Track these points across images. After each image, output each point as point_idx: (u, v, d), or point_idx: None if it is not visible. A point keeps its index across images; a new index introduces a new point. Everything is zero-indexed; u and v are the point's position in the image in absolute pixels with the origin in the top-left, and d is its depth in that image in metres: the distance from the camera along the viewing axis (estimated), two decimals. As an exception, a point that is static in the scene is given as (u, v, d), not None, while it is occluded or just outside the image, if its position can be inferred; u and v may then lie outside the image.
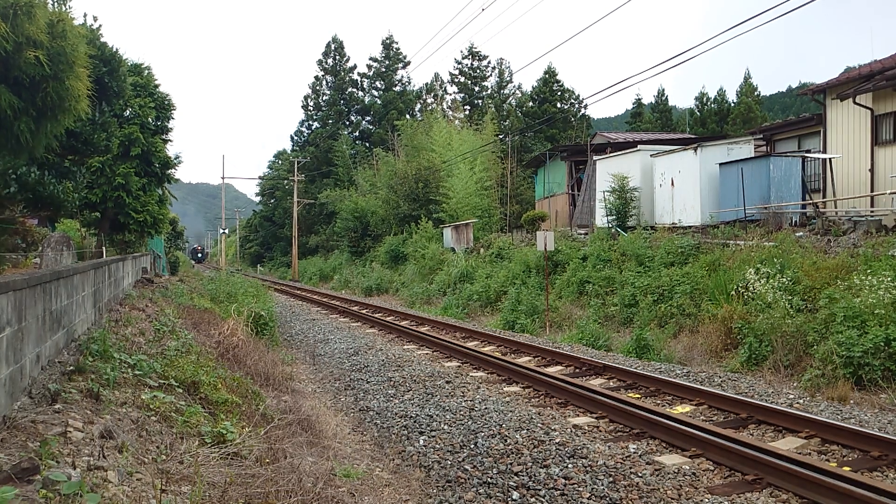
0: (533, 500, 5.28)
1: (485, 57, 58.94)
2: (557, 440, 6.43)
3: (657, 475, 5.60)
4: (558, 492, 5.35)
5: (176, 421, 4.93)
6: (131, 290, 13.00)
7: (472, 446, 6.55)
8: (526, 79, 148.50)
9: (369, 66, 61.61)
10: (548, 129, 46.56)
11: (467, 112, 53.81)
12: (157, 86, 17.40)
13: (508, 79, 58.44)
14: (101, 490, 3.20)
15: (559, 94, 51.35)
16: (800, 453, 5.99)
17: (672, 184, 18.76)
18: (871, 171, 16.33)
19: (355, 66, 62.45)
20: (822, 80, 20.40)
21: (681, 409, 7.78)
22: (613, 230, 19.22)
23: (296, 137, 65.82)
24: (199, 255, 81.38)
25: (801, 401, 7.93)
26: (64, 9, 7.64)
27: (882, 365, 8.24)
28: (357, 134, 61.57)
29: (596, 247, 17.63)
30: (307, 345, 14.55)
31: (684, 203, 18.25)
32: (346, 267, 38.88)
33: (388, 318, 18.15)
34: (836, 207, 16.63)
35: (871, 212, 15.14)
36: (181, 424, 4.89)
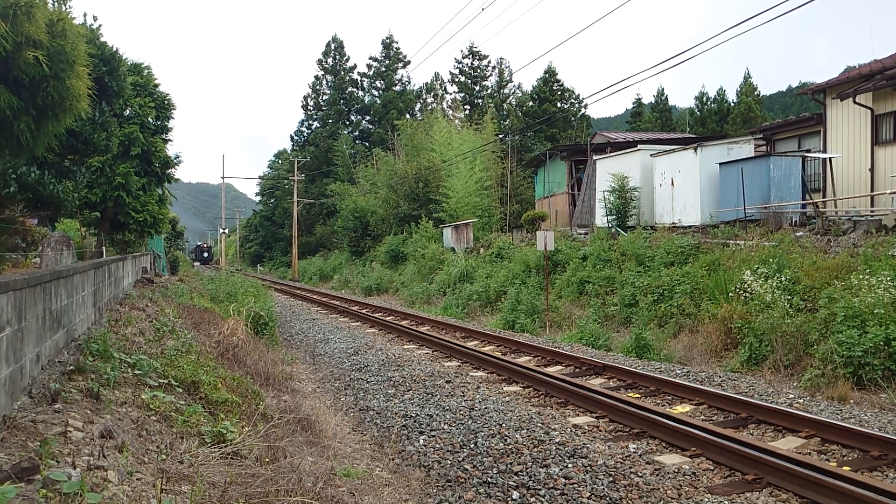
0: (533, 499, 5.28)
1: (485, 56, 58.98)
2: (557, 440, 6.43)
3: (657, 475, 5.60)
4: (558, 491, 5.35)
5: (176, 420, 4.93)
6: (131, 289, 12.99)
7: (472, 446, 6.55)
8: (526, 78, 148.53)
9: (369, 66, 61.67)
10: (548, 129, 46.54)
11: (467, 112, 53.77)
12: (156, 85, 17.42)
13: (508, 78, 58.52)
14: (101, 489, 3.20)
15: (559, 93, 51.35)
16: (800, 453, 5.99)
17: (672, 183, 18.76)
18: (871, 170, 16.33)
19: (355, 66, 62.56)
20: (822, 79, 20.37)
21: (681, 409, 7.78)
22: (613, 230, 19.22)
23: (296, 137, 65.89)
24: (205, 254, 66.73)
25: (801, 400, 7.93)
26: (64, 8, 7.64)
27: (882, 364, 8.24)
28: (357, 134, 61.56)
29: (596, 246, 17.63)
30: (307, 344, 14.55)
31: (684, 203, 18.25)
32: (346, 267, 38.87)
33: (387, 318, 18.15)
34: (836, 207, 16.63)
35: (871, 211, 15.14)
36: (181, 424, 4.89)
